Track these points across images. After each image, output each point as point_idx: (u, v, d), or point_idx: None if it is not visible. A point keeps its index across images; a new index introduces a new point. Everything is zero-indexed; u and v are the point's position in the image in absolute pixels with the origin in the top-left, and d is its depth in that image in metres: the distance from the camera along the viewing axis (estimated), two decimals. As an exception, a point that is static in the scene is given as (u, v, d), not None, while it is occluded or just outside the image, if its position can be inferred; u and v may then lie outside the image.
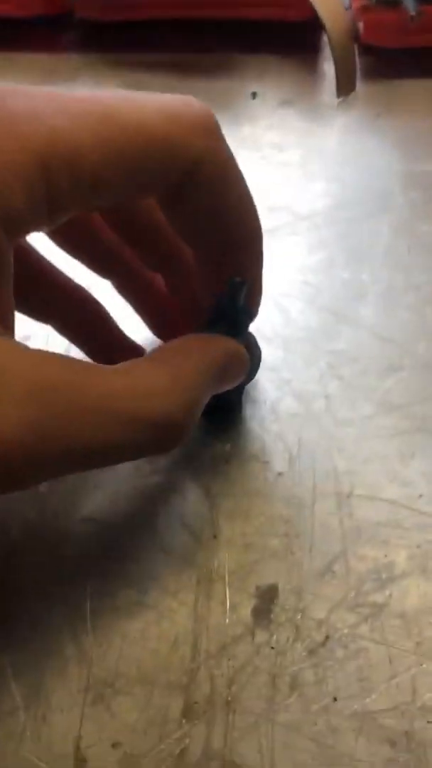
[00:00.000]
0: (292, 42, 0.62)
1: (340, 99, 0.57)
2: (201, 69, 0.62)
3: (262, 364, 0.43)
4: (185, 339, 0.34)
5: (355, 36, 0.56)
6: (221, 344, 0.35)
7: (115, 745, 0.33)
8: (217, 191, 0.32)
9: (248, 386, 0.42)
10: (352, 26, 0.55)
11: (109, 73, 0.62)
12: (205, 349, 0.33)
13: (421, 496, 0.38)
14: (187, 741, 0.32)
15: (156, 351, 0.33)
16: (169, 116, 0.29)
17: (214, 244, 0.34)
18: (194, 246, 0.35)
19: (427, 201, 0.51)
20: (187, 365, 0.32)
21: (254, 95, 0.59)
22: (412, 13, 0.51)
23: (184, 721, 0.33)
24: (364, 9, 0.54)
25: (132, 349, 0.42)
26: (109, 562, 0.37)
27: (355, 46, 0.56)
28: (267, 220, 0.51)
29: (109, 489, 0.39)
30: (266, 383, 0.43)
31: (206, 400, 0.33)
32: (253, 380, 0.42)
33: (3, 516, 0.39)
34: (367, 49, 0.58)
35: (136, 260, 0.39)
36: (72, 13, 0.63)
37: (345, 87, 0.56)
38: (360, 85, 0.58)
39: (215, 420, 0.41)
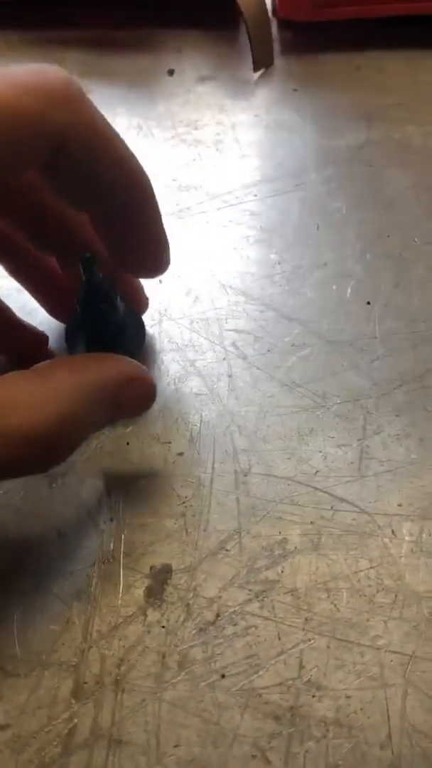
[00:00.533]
0: (210, 17, 0.61)
1: (257, 73, 0.56)
2: (118, 46, 0.61)
3: (167, 345, 0.43)
4: (78, 356, 0.33)
5: (272, 10, 0.55)
6: (114, 365, 0.33)
7: (3, 727, 0.33)
8: (93, 157, 0.31)
9: (153, 367, 0.42)
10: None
11: (25, 51, 0.61)
12: (93, 367, 0.32)
13: (317, 472, 0.39)
14: (75, 721, 0.33)
15: (40, 365, 0.32)
16: (25, 90, 0.28)
17: (103, 205, 0.33)
18: (87, 210, 0.34)
19: (340, 177, 0.51)
20: (66, 381, 0.30)
21: (171, 72, 0.58)
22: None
23: (73, 701, 0.33)
24: (278, -19, 0.53)
25: (34, 339, 0.41)
26: (6, 545, 0.37)
27: (273, 21, 0.56)
28: (178, 199, 0.51)
29: (9, 474, 0.39)
30: (171, 363, 0.43)
31: (93, 421, 0.32)
32: (159, 361, 0.42)
33: None
34: (285, 24, 0.57)
35: (26, 242, 0.38)
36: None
37: (261, 61, 0.55)
38: (278, 60, 0.58)
39: None
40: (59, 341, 0.43)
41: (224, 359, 0.43)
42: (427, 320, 0.44)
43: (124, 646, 0.35)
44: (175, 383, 0.42)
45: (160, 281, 0.45)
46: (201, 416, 0.41)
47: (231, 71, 0.59)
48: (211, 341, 0.44)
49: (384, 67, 0.57)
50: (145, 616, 0.35)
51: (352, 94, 0.56)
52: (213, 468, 0.39)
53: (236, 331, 0.44)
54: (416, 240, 0.47)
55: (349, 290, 0.45)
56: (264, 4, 0.54)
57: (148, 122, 0.55)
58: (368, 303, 0.45)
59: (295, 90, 0.56)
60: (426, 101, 0.55)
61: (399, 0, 0.54)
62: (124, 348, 0.38)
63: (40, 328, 0.42)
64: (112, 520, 0.38)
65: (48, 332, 0.43)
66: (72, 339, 0.40)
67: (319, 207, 0.49)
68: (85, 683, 0.34)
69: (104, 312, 0.36)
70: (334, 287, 0.46)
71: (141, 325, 0.39)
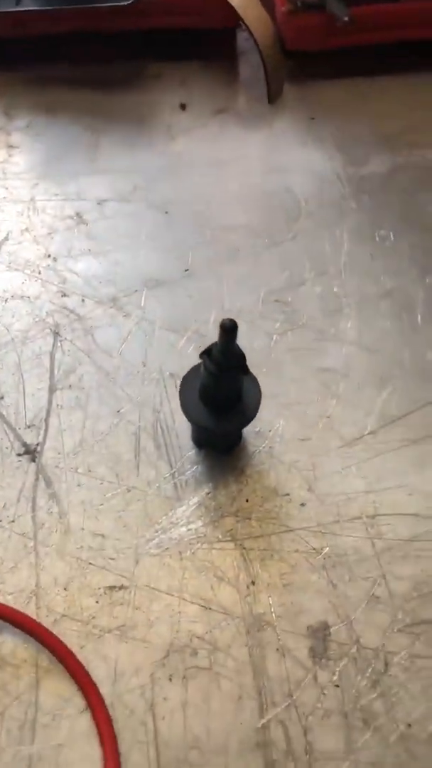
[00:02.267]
0: (211, 50, 0.60)
1: (271, 104, 0.56)
2: (120, 82, 0.58)
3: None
4: None
5: (280, 41, 0.55)
6: None
7: None
8: None
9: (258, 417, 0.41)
10: (277, 32, 0.54)
11: (25, 91, 0.57)
12: None
13: (442, 505, 0.39)
14: (276, 803, 0.32)
15: None
16: None
17: None
18: None
19: (379, 204, 0.51)
20: None
21: (183, 107, 0.56)
22: (345, 18, 0.51)
23: (267, 782, 0.32)
24: (289, 14, 0.53)
25: None
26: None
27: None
28: (227, 240, 0.50)
29: (129, 551, 0.37)
30: (264, 410, 0.42)
31: None
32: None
33: None
34: (289, 54, 0.57)
35: None
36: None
37: (276, 93, 0.55)
38: (286, 89, 0.58)
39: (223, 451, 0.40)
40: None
41: (317, 400, 0.43)
42: None
43: (303, 713, 0.34)
44: (278, 433, 0.41)
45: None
46: (312, 463, 0.40)
47: (239, 103, 0.58)
48: (299, 383, 0.43)
49: (390, 92, 0.58)
50: (316, 677, 0.35)
51: (366, 120, 0.56)
52: (339, 514, 0.39)
53: (322, 370, 0.44)
54: (468, 261, 0.49)
55: (419, 317, 0.46)
56: (277, 36, 0.54)
57: (172, 160, 0.53)
58: (441, 328, 0.46)
59: (313, 119, 0.56)
60: (435, 123, 0.57)
61: (406, 26, 0.55)
62: (239, 411, 0.37)
63: (156, 367, 0.42)
64: (253, 583, 0.37)
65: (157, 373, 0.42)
66: (187, 386, 0.38)
67: (368, 236, 0.50)
68: (275, 760, 0.33)
69: (235, 377, 0.35)
70: (404, 315, 0.46)
71: (258, 392, 0.38)
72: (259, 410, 0.42)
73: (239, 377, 0.36)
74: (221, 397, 0.37)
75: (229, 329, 0.32)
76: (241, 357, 0.35)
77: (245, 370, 0.35)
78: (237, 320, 0.36)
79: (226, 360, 0.34)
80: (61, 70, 0.59)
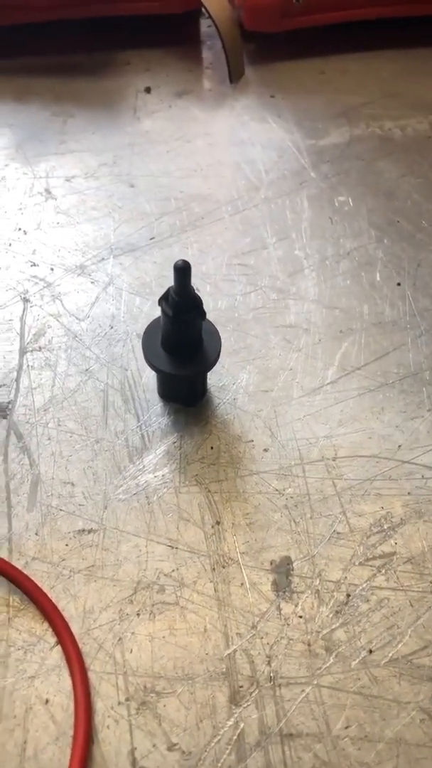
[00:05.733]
0: (172, 35, 0.63)
1: (233, 85, 0.58)
2: (86, 69, 0.61)
3: (222, 349, 0.43)
4: None
5: (239, 23, 0.57)
6: None
7: (171, 748, 0.32)
8: None
9: (220, 374, 0.43)
10: (235, 14, 0.56)
11: (-9, 81, 0.59)
12: None
13: (399, 446, 0.40)
14: (241, 726, 0.32)
15: None
16: None
17: None
18: None
19: (337, 173, 0.53)
20: None
21: (148, 90, 0.58)
22: (299, -5, 0.53)
23: (233, 707, 0.33)
24: (246, -5, 0.55)
25: None
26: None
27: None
28: (192, 210, 0.52)
29: (98, 497, 0.38)
30: (233, 366, 0.43)
31: None
32: (224, 366, 0.43)
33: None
34: (249, 36, 0.60)
35: None
36: None
37: (236, 73, 0.57)
38: (248, 70, 0.60)
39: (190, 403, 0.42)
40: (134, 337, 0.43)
41: (279, 355, 0.44)
42: (453, 293, 0.47)
43: (268, 644, 0.35)
44: (242, 386, 0.43)
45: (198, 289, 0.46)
46: (275, 411, 0.42)
47: (203, 84, 0.60)
48: (262, 339, 0.45)
49: (346, 69, 0.61)
50: (280, 609, 0.36)
51: (324, 96, 0.59)
52: (300, 458, 0.40)
53: (284, 326, 0.45)
54: (424, 223, 0.50)
55: (377, 275, 0.48)
56: (236, 19, 0.56)
57: (137, 140, 0.55)
58: (398, 284, 0.47)
59: (273, 96, 0.58)
60: (392, 97, 0.59)
61: (358, 6, 0.57)
62: (199, 357, 0.39)
63: (124, 329, 0.43)
64: (218, 522, 0.38)
65: (124, 334, 0.43)
66: (149, 337, 0.39)
67: (327, 202, 0.51)
68: (241, 687, 0.34)
69: (193, 321, 0.37)
70: (363, 274, 0.48)
71: (218, 340, 0.39)
72: (224, 365, 0.43)
73: (197, 321, 0.37)
74: (181, 342, 0.38)
75: (181, 269, 0.34)
76: (196, 299, 0.36)
77: (201, 311, 0.37)
78: (202, 283, 0.38)
79: (182, 301, 0.36)
80: (30, 60, 0.61)
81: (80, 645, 0.34)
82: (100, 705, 0.33)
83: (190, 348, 0.39)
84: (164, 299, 0.36)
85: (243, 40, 0.59)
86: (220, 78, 0.60)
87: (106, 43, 0.63)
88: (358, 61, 0.61)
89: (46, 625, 0.35)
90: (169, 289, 0.36)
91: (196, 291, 0.36)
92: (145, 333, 0.40)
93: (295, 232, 0.50)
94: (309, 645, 0.35)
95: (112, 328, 0.45)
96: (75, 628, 0.35)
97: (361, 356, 0.44)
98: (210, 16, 0.54)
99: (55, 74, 0.60)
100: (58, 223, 0.50)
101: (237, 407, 0.42)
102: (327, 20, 0.58)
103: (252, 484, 0.39)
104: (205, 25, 0.64)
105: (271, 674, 0.34)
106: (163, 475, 0.39)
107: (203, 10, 0.56)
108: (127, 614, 0.35)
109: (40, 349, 0.44)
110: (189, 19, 0.63)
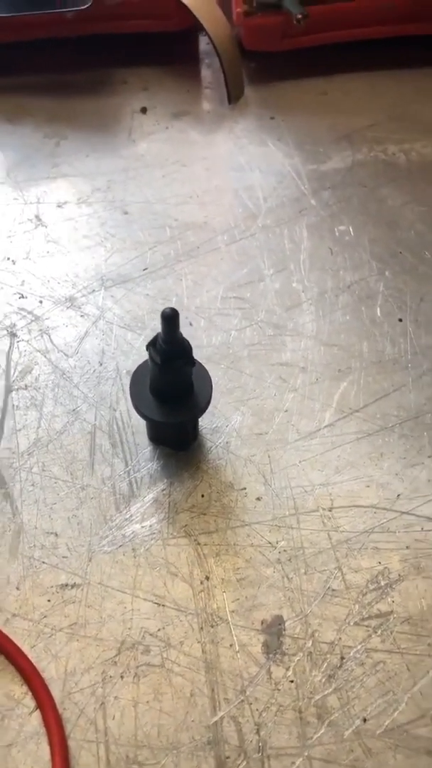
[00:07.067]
0: (170, 53, 0.61)
1: (231, 105, 0.56)
2: (82, 88, 0.59)
3: (220, 388, 0.42)
4: None
5: (238, 42, 0.55)
6: None
7: None
8: None
9: (213, 414, 0.41)
10: (234, 33, 0.55)
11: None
12: None
13: (398, 495, 0.39)
14: (227, 800, 0.31)
15: None
16: None
17: None
18: None
19: (338, 200, 0.51)
20: None
21: (144, 110, 0.57)
22: (299, 16, 0.51)
23: (219, 780, 0.31)
24: (246, 15, 0.53)
25: None
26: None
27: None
28: (187, 239, 0.50)
29: (82, 549, 0.37)
30: (226, 407, 0.42)
31: None
32: (218, 407, 0.41)
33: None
34: (249, 55, 0.58)
35: None
36: None
37: (235, 94, 0.55)
38: (247, 90, 0.58)
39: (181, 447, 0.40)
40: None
41: (275, 395, 0.42)
42: (457, 330, 0.45)
43: (257, 710, 0.33)
44: (235, 428, 0.41)
45: (191, 324, 0.44)
46: (269, 456, 0.40)
47: (201, 105, 0.58)
48: (257, 378, 0.43)
49: (349, 90, 0.59)
50: (270, 673, 0.34)
51: (326, 118, 0.57)
52: (295, 507, 0.38)
53: (280, 364, 0.44)
54: (428, 254, 0.48)
55: (378, 310, 0.46)
56: (235, 38, 0.54)
57: (132, 163, 0.54)
58: (400, 320, 0.45)
59: (273, 118, 0.56)
60: (396, 119, 0.57)
61: (362, 25, 0.55)
62: (189, 404, 0.37)
63: (114, 366, 0.43)
64: (207, 578, 0.36)
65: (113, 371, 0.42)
66: (137, 380, 0.38)
67: (327, 231, 0.50)
68: (227, 758, 0.32)
69: (182, 368, 0.35)
70: (363, 308, 0.46)
71: (209, 385, 0.38)
72: (216, 406, 0.42)
73: (187, 367, 0.35)
74: (170, 389, 0.36)
75: (168, 317, 0.32)
76: (185, 346, 0.34)
77: (191, 359, 0.35)
78: (196, 317, 0.36)
79: (170, 349, 0.34)
80: (23, 78, 0.60)
81: (60, 710, 0.33)
82: (78, 779, 0.31)
83: (179, 394, 0.37)
84: (152, 345, 0.35)
85: (245, 59, 0.57)
86: (219, 98, 0.58)
87: (103, 61, 0.61)
88: (362, 81, 0.59)
89: (25, 687, 0.33)
90: (157, 336, 0.34)
91: (190, 325, 0.34)
92: (133, 376, 0.38)
93: (294, 263, 0.48)
94: (300, 712, 0.33)
95: (101, 364, 0.43)
96: (55, 692, 0.33)
97: (360, 397, 0.42)
98: (208, 35, 0.52)
99: (48, 93, 0.59)
100: (48, 252, 0.49)
101: (230, 452, 0.40)
102: (329, 40, 0.56)
103: (243, 536, 0.37)
104: (204, 42, 0.62)
105: (260, 744, 0.32)
106: (150, 526, 0.38)
107: (201, 29, 0.54)
108: (111, 676, 0.34)
109: (26, 387, 0.42)
110: (187, 36, 0.61)
